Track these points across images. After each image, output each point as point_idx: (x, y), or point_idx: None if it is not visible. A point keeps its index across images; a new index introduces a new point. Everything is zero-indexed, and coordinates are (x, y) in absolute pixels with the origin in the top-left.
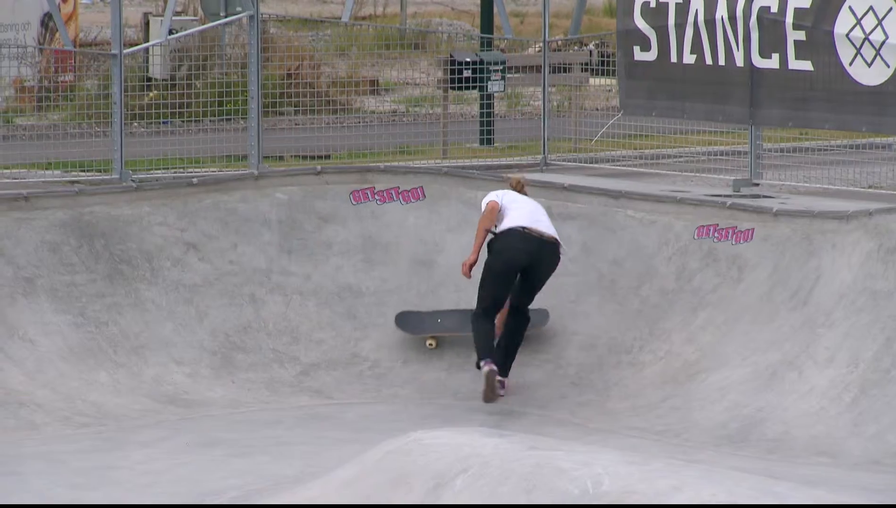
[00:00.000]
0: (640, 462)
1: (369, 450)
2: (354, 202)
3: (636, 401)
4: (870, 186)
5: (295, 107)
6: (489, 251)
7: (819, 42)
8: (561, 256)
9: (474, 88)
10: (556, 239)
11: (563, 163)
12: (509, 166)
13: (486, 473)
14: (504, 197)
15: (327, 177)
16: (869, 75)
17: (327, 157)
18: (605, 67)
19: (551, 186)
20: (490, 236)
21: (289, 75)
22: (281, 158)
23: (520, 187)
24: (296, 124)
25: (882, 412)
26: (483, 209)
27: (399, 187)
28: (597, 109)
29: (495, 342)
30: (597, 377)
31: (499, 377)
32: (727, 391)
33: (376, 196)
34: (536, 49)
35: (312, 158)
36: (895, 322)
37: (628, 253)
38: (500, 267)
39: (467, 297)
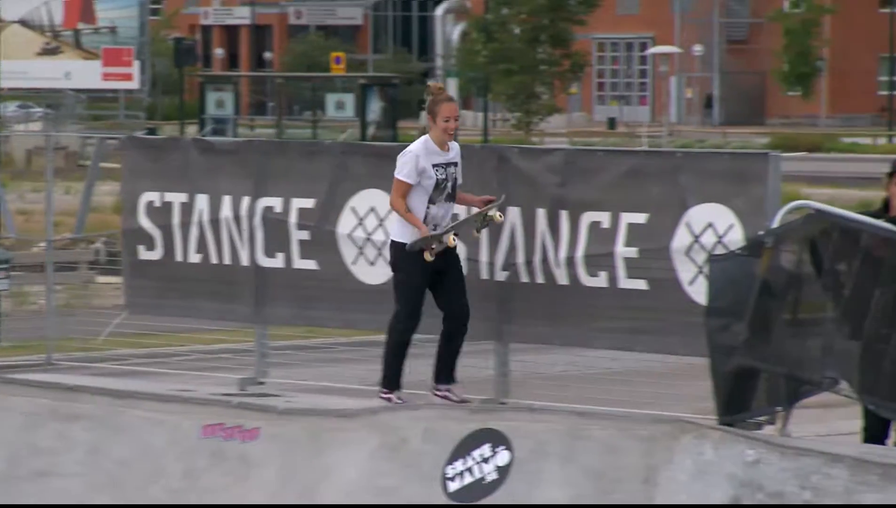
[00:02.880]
0: None
1: None
2: None
3: None
4: (377, 384)
5: None
6: None
7: (323, 241)
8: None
9: None
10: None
11: (70, 363)
12: (13, 367)
13: None
14: None
15: None
16: (372, 274)
17: None
18: (114, 266)
19: (56, 386)
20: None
21: None
22: None
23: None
24: None
25: None
26: None
27: None
28: (105, 308)
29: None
30: None
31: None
32: None
33: None
34: (42, 247)
35: None
36: None
37: (135, 453)
38: None
39: None
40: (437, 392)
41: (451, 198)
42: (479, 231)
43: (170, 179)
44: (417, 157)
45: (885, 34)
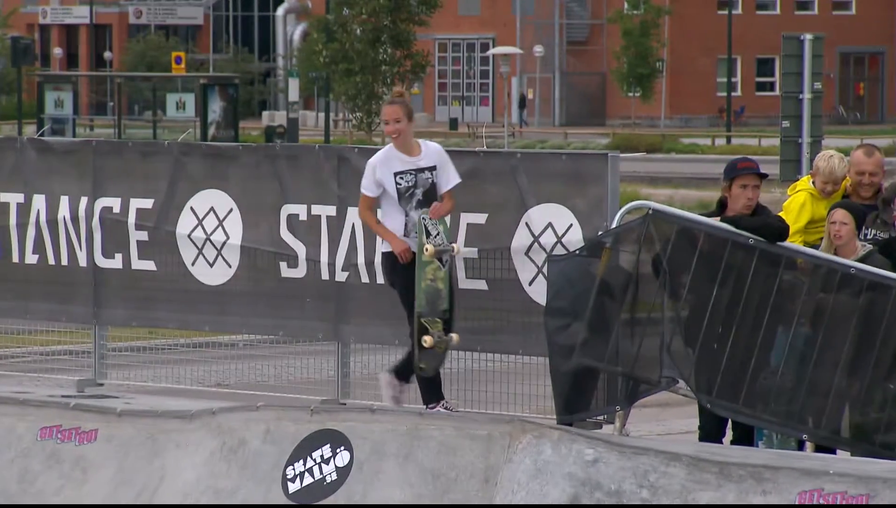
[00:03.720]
0: None
1: None
2: None
3: None
4: (218, 385)
5: None
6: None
7: (162, 242)
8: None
9: None
10: None
11: None
12: None
13: None
14: None
15: None
16: (211, 275)
17: None
18: None
19: None
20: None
21: None
22: None
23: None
24: None
25: None
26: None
27: None
28: None
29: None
30: None
31: None
32: None
33: None
34: None
35: None
36: None
37: None
38: None
39: None
40: (430, 408)
41: (428, 204)
42: (443, 265)
43: (6, 179)
44: (374, 167)
45: (723, 36)
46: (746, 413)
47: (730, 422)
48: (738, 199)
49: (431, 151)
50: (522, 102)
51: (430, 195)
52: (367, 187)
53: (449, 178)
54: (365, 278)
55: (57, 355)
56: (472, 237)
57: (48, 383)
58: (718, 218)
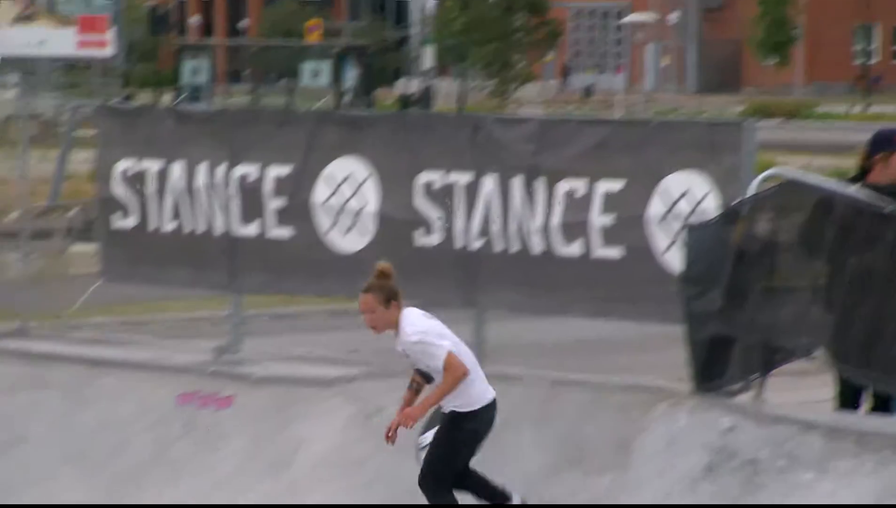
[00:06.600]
0: None
1: None
2: None
3: None
4: (354, 352)
5: None
6: (468, 419)
7: (298, 210)
8: None
9: None
10: None
11: (44, 331)
12: None
13: None
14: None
15: None
16: (346, 243)
17: None
18: (89, 234)
19: (28, 353)
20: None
21: None
22: None
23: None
24: None
25: None
26: (453, 362)
27: None
28: (80, 276)
29: None
30: None
31: None
32: None
33: None
34: (16, 216)
35: None
36: (368, 489)
37: (107, 421)
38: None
39: None
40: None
41: (428, 378)
42: None
43: (144, 147)
44: None
45: (860, 3)
46: (884, 382)
47: (866, 391)
48: (878, 168)
49: (403, 343)
50: (566, 71)
51: (423, 375)
52: None
53: (429, 367)
54: (499, 246)
55: (195, 321)
56: (608, 206)
57: (186, 349)
58: (857, 186)
